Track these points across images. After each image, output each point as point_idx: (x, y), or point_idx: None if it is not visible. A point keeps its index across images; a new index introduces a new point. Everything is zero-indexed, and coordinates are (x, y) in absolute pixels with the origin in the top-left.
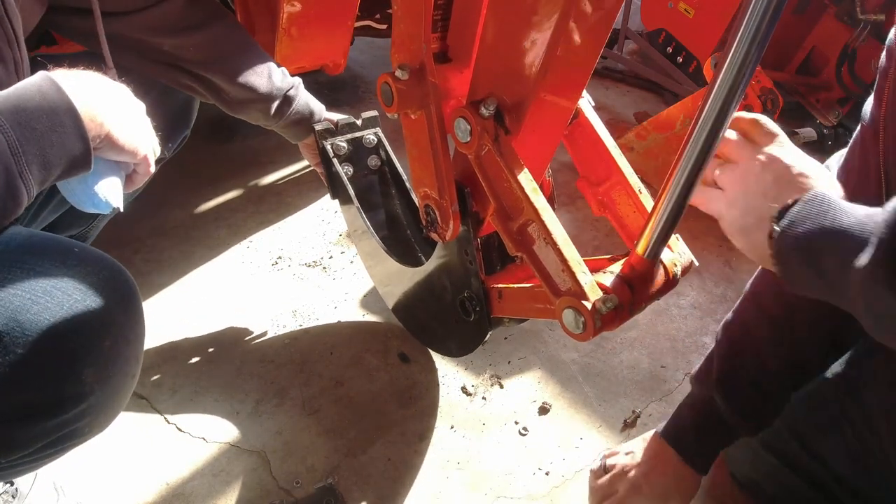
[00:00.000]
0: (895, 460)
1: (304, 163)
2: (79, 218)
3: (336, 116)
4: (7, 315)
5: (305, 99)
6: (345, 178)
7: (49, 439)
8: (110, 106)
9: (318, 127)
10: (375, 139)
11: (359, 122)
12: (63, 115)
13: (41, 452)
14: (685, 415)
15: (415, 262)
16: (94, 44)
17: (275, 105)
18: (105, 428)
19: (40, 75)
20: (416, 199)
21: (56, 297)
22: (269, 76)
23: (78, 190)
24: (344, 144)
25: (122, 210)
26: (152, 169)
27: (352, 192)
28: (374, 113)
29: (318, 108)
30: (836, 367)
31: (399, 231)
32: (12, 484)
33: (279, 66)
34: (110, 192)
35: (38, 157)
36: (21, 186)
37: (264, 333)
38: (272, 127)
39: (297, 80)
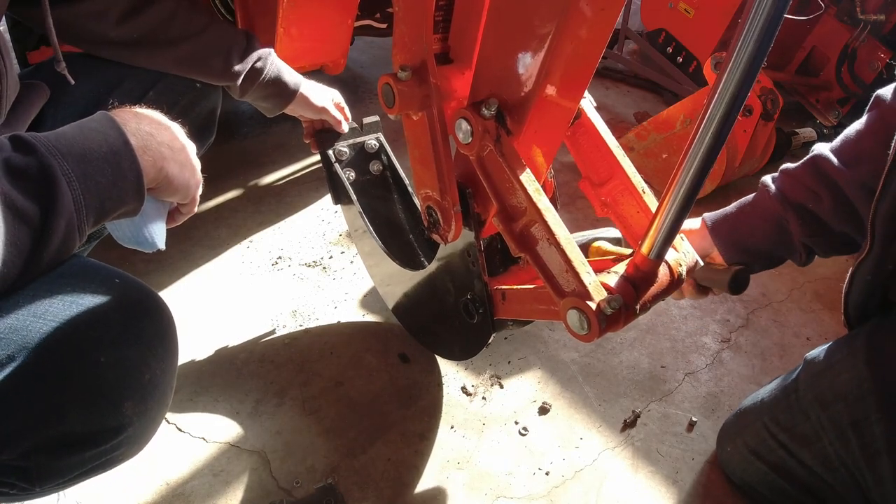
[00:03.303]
0: (866, 470)
1: (304, 163)
2: None
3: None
4: (50, 346)
5: (276, 72)
6: (347, 183)
7: (84, 469)
8: (170, 150)
9: (320, 132)
10: (377, 144)
11: (361, 128)
12: (126, 170)
13: (72, 479)
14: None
15: (417, 266)
16: (49, 33)
17: (238, 82)
18: (135, 456)
19: (105, 119)
20: (417, 203)
21: (98, 330)
22: (226, 57)
23: (124, 226)
24: (346, 149)
25: (163, 249)
26: (196, 208)
27: (354, 197)
28: (375, 118)
29: (294, 79)
30: (808, 380)
31: (402, 235)
32: None
33: (247, 37)
34: (156, 234)
35: (96, 209)
36: (76, 237)
37: (264, 333)
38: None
39: (266, 52)
